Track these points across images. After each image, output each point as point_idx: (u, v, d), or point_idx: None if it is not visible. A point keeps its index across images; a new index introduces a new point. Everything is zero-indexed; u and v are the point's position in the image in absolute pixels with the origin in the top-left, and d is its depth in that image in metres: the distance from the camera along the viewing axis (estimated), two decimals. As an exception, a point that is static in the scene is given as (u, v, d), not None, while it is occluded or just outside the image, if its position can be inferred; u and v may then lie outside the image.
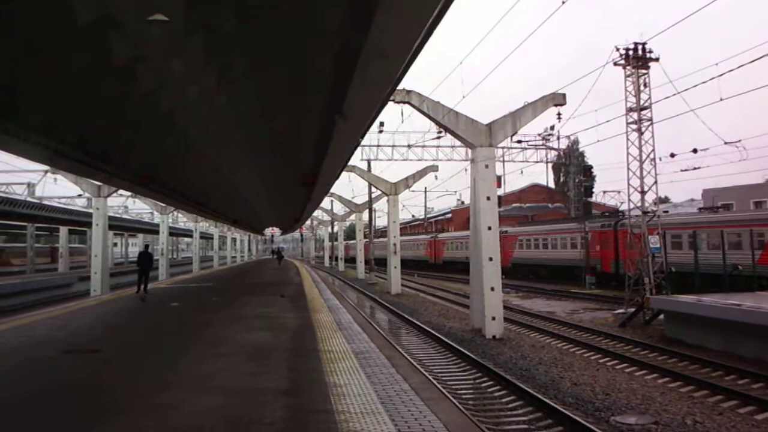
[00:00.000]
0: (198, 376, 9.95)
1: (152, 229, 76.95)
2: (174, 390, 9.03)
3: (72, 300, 32.14)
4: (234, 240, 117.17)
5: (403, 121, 27.66)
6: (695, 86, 20.36)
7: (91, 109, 13.80)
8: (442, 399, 9.20)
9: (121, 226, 77.72)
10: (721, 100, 19.77)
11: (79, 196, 51.62)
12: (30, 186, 48.19)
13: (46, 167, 38.76)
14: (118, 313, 21.39)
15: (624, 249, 35.19)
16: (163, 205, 55.47)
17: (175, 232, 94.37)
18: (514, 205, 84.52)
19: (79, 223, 58.35)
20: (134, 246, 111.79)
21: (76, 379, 10.02)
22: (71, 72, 11.02)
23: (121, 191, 43.12)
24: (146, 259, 28.56)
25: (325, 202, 77.45)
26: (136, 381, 9.78)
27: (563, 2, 13.22)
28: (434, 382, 11.46)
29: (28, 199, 48.49)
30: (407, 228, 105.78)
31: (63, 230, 68.76)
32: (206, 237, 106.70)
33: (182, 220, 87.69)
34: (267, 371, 10.28)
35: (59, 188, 48.52)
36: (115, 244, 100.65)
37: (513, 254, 56.42)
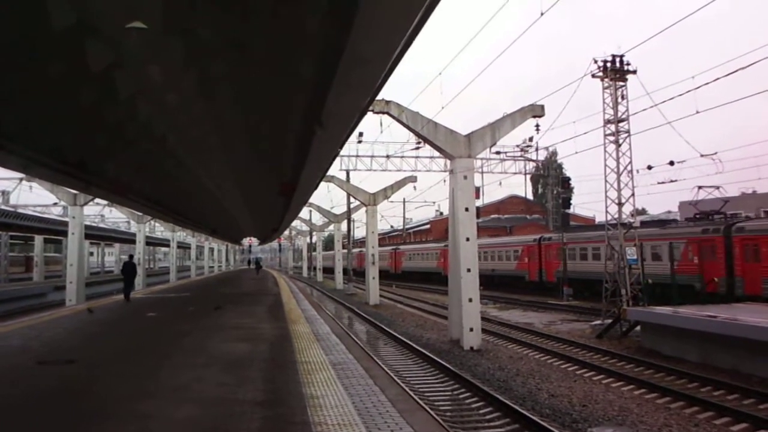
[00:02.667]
0: (175, 387, 9.84)
1: (129, 239, 76.38)
2: (150, 400, 8.92)
3: (47, 310, 31.83)
4: (211, 250, 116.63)
5: (381, 132, 27.71)
6: (671, 99, 20.53)
7: (68, 117, 13.66)
8: (418, 410, 9.16)
9: (97, 235, 77.13)
10: (697, 112, 19.95)
11: (55, 204, 51.18)
12: (4, 194, 47.78)
13: (21, 175, 38.41)
14: (94, 323, 21.14)
15: (743, 262, 29.62)
16: (140, 214, 55.08)
17: (152, 242, 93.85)
18: (492, 216, 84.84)
19: (55, 231, 57.83)
20: (110, 255, 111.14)
21: (50, 390, 9.87)
22: (47, 79, 10.89)
23: (97, 200, 42.76)
24: (130, 269, 30.64)
25: (304, 212, 77.31)
26: (111, 392, 9.65)
27: (542, 14, 13.30)
28: (411, 393, 11.40)
29: (3, 207, 48.02)
30: (386, 238, 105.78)
31: (38, 239, 68.06)
32: (183, 247, 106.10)
33: (159, 229, 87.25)
34: (244, 382, 10.18)
35: (35, 196, 48.18)
36: (92, 254, 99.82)
37: (560, 266, 44.84)
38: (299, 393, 9.38)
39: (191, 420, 7.85)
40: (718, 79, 17.46)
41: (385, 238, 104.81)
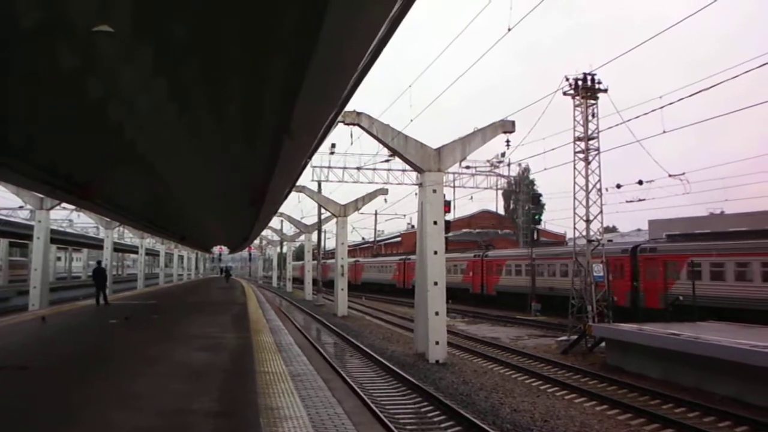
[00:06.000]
0: (128, 396, 9.66)
1: (97, 244, 75.56)
2: (101, 409, 8.75)
3: (9, 314, 31.41)
4: (181, 257, 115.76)
5: (352, 143, 27.67)
6: (637, 117, 20.73)
7: (35, 118, 13.45)
8: (373, 423, 9.14)
9: (64, 240, 76.19)
10: (664, 132, 20.12)
11: (21, 207, 50.53)
12: (-33, 196, 47.09)
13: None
14: (55, 329, 20.79)
15: None
16: (108, 220, 54.50)
17: (120, 248, 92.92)
18: (463, 230, 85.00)
19: (21, 235, 57.10)
20: (78, 261, 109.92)
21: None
22: (13, 78, 10.72)
23: (65, 204, 42.23)
24: (100, 274, 31.73)
25: (275, 222, 77.01)
26: (62, 398, 9.46)
27: (509, 29, 13.37)
28: (371, 405, 11.35)
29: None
30: (356, 250, 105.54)
31: (3, 242, 67.15)
32: (152, 254, 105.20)
33: (128, 235, 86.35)
34: (200, 392, 10.02)
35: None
36: (59, 259, 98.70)
37: (673, 286, 31.35)
38: (255, 404, 9.26)
39: (143, 430, 7.69)
40: (682, 99, 17.66)
41: (356, 250, 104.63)
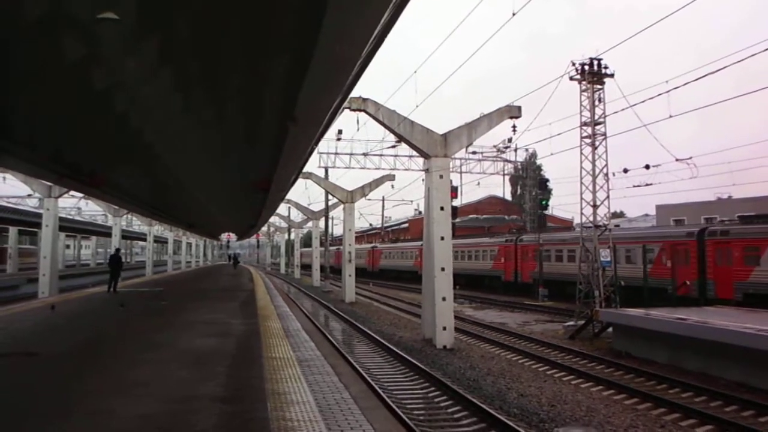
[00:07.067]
0: (134, 383, 9.73)
1: (105, 232, 75.80)
2: (107, 396, 8.82)
3: (19, 302, 31.61)
4: (189, 245, 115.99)
5: (358, 129, 27.63)
6: (644, 102, 20.63)
7: (41, 107, 13.50)
8: (379, 408, 9.20)
9: (73, 228, 76.38)
10: (671, 117, 20.02)
11: (30, 195, 50.66)
12: (-25, 185, 47.19)
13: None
14: (63, 316, 20.90)
15: None
16: (116, 207, 54.64)
17: (128, 236, 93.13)
18: (470, 216, 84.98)
19: (29, 223, 57.26)
20: (87, 249, 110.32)
21: (6, 383, 9.76)
22: (19, 68, 10.75)
23: (73, 192, 42.31)
24: (116, 262, 32.71)
25: (282, 209, 77.03)
26: (69, 386, 9.54)
27: (513, 14, 13.32)
28: (378, 390, 11.38)
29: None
30: (364, 236, 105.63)
31: (12, 230, 67.41)
32: (161, 241, 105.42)
33: (136, 223, 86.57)
34: (206, 378, 10.08)
35: (8, 187, 47.57)
36: (68, 246, 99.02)
37: (752, 274, 27.91)
38: (262, 389, 9.32)
39: (147, 416, 7.74)
40: (688, 83, 17.58)
41: (364, 236, 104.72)
